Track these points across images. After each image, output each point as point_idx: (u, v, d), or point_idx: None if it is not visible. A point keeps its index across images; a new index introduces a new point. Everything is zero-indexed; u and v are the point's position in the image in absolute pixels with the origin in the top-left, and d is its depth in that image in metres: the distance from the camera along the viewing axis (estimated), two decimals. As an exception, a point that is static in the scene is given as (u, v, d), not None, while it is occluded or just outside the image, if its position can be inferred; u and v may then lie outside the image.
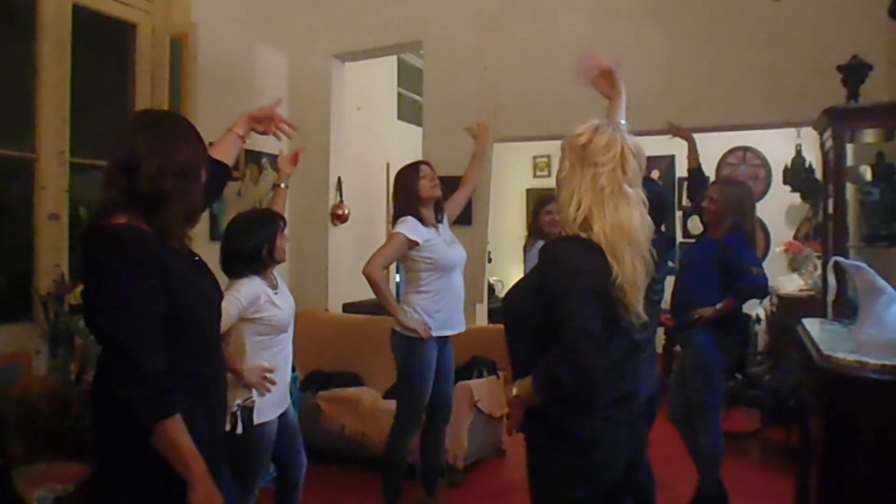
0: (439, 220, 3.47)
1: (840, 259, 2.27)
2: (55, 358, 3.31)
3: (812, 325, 2.66)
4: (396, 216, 3.38)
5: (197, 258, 1.77)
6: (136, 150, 1.59)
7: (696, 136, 5.03)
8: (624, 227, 1.63)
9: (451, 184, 3.83)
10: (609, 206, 1.64)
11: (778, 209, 7.01)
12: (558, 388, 1.57)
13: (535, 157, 8.27)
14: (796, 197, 6.68)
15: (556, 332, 1.58)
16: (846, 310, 2.71)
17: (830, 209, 3.16)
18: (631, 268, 1.63)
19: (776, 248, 6.34)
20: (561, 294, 1.61)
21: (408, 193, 3.35)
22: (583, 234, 1.67)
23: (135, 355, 1.49)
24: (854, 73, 3.08)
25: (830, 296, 2.68)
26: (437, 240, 3.34)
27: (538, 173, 8.23)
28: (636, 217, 1.66)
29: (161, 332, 1.54)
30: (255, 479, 2.69)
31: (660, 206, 2.76)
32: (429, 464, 3.58)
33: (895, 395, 1.86)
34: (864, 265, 2.04)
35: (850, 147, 3.20)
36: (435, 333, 3.31)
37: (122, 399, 1.51)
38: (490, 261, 5.53)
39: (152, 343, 1.51)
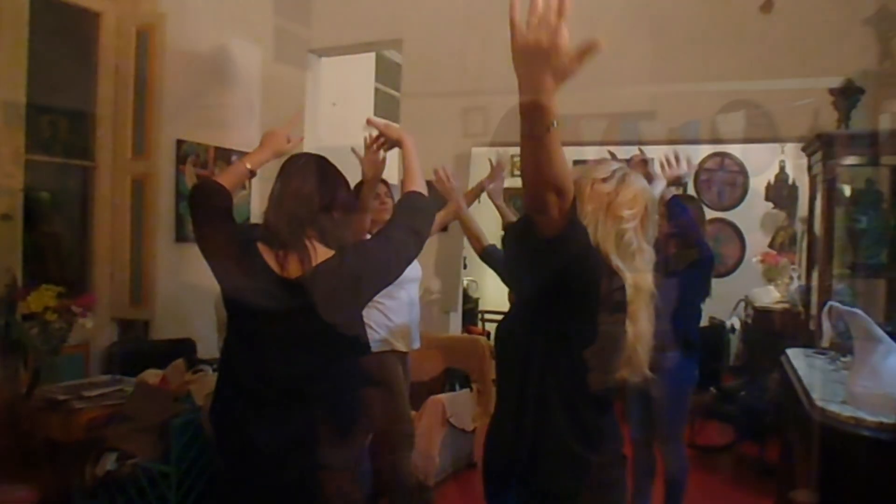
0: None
1: (836, 304, 2.19)
2: (5, 369, 3.13)
3: (797, 359, 2.59)
4: None
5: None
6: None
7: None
8: (643, 287, 1.50)
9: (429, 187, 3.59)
10: (631, 262, 1.49)
11: (753, 217, 6.99)
12: None
13: (512, 157, 8.15)
14: (771, 204, 6.67)
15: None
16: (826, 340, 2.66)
17: (818, 232, 3.09)
18: (645, 326, 1.50)
19: (752, 259, 6.31)
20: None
21: None
22: None
23: None
24: (846, 96, 3.01)
25: (825, 342, 2.60)
26: None
27: (515, 172, 8.11)
28: (651, 277, 1.52)
29: None
30: None
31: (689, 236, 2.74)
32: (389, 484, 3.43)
33: (891, 453, 1.79)
34: (860, 312, 1.96)
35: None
36: (395, 348, 3.19)
37: None
38: (465, 266, 5.41)
39: None
